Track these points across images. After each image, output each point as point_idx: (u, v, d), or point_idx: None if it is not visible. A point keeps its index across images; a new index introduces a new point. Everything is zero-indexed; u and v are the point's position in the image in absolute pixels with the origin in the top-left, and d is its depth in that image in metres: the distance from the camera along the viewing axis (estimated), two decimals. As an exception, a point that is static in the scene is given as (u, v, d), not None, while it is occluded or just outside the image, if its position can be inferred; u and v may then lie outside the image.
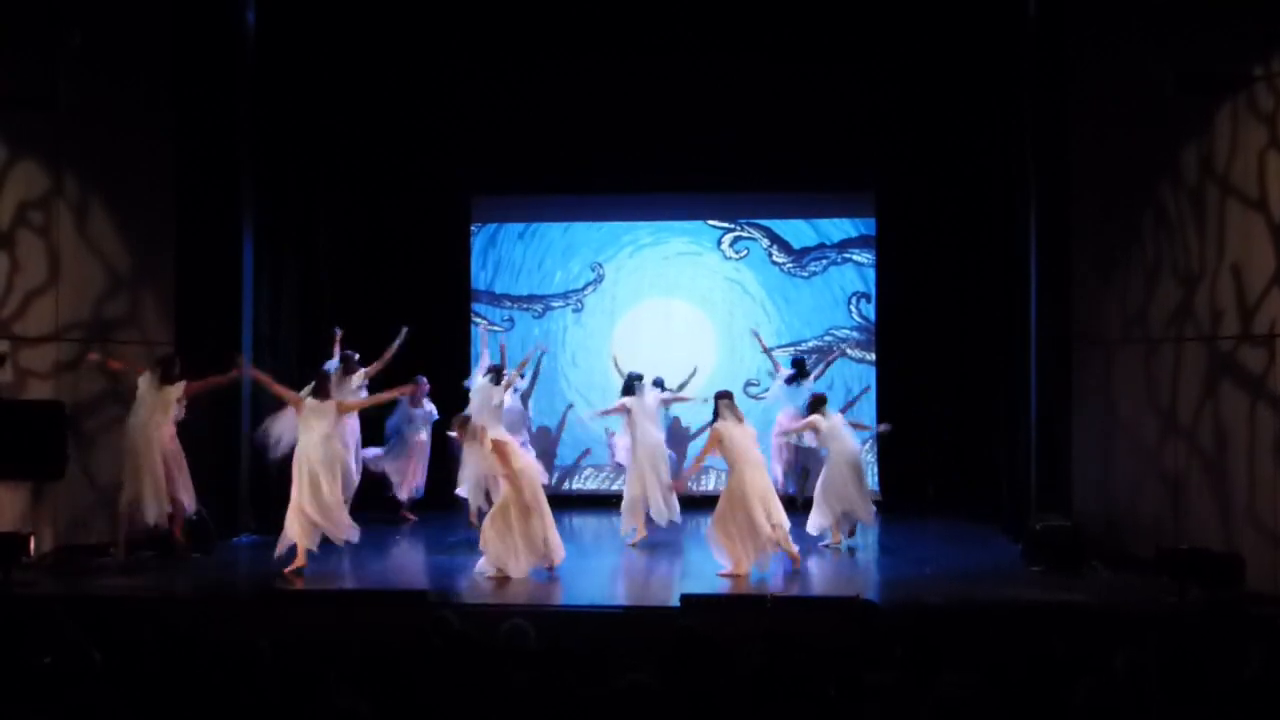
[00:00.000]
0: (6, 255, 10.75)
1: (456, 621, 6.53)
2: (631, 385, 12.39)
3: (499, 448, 10.17)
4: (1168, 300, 10.48)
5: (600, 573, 10.89)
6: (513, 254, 15.46)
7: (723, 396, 10.72)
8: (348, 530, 10.57)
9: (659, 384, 12.73)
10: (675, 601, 8.62)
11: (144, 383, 10.90)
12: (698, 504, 12.58)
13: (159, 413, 10.81)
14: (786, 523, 10.36)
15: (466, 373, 14.42)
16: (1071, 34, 11.22)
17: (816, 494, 11.58)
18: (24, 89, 10.44)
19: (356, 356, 12.47)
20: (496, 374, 12.57)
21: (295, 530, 10.25)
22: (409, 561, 11.55)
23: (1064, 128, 11.27)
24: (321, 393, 10.66)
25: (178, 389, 10.89)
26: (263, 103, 12.41)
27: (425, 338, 13.81)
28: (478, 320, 15.30)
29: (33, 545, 9.85)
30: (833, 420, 11.56)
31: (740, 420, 10.55)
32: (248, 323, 12.22)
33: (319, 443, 10.44)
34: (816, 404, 11.68)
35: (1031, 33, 11.46)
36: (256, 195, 12.42)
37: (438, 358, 13.68)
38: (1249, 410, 9.71)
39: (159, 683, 5.71)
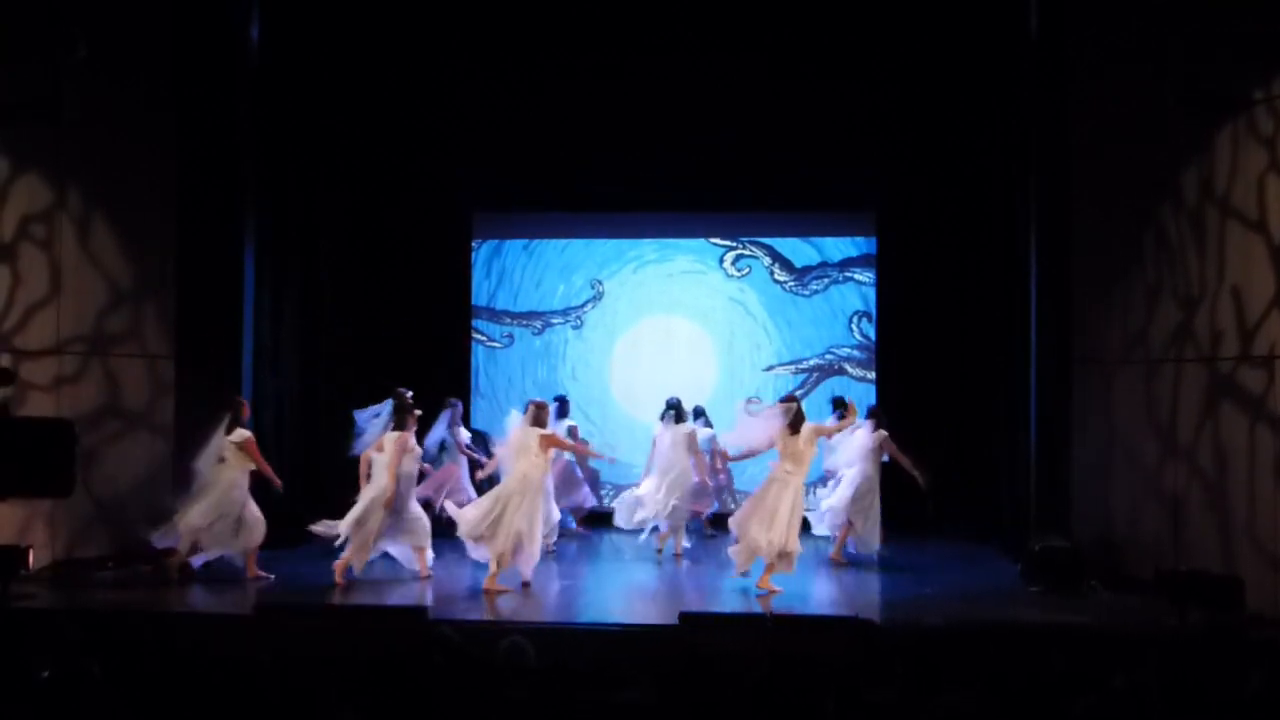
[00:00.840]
0: (8, 269, 10.77)
1: (456, 638, 6.52)
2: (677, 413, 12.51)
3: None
4: (1168, 321, 10.49)
5: (600, 590, 10.87)
6: (517, 266, 15.49)
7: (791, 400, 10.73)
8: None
9: (700, 413, 12.94)
10: (674, 619, 8.59)
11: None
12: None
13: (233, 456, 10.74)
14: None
15: (467, 389, 14.47)
16: (1073, 55, 11.26)
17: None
18: (27, 101, 10.46)
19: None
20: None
21: None
22: (410, 577, 11.51)
23: (1065, 148, 11.30)
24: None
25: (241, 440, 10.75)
26: (266, 118, 12.45)
27: (426, 354, 13.84)
28: (478, 336, 15.33)
29: (31, 558, 9.84)
30: None
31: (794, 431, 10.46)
32: (248, 337, 12.22)
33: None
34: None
35: (1033, 53, 11.50)
36: (258, 210, 12.42)
37: (439, 374, 13.67)
38: (1249, 431, 9.71)
39: (158, 697, 5.70)
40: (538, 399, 10.98)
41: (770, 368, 15.10)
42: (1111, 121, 10.95)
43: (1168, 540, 10.37)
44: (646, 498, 12.13)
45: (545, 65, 14.17)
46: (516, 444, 10.42)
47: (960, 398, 13.52)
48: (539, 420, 10.52)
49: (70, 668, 5.71)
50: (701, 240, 15.29)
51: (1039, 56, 11.44)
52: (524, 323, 15.46)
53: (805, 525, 11.09)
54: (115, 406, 11.45)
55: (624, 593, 10.68)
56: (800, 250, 15.22)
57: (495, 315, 15.47)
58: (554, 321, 15.43)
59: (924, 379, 13.58)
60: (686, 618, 8.49)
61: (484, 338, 15.42)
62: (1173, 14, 10.24)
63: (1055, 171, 11.36)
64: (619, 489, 13.64)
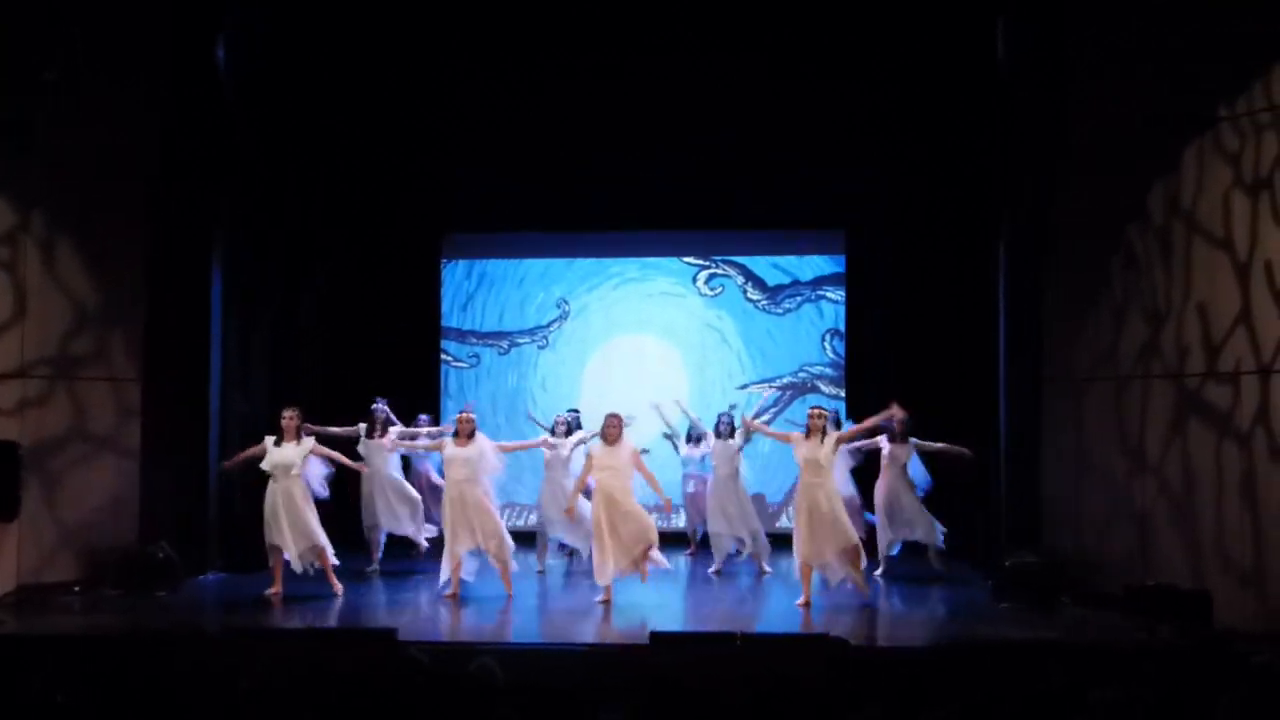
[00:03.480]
0: (-29, 291, 10.67)
1: (426, 660, 6.47)
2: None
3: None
4: (1135, 338, 10.54)
5: (569, 609, 10.83)
6: (494, 280, 15.49)
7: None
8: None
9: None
10: (645, 639, 8.55)
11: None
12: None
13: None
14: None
15: (437, 410, 14.42)
16: (1043, 79, 11.31)
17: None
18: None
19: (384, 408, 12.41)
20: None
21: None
22: (375, 599, 11.45)
23: (1035, 169, 11.35)
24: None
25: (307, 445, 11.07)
26: (236, 143, 12.42)
27: (397, 375, 13.80)
28: (444, 357, 15.28)
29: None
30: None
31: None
32: (216, 360, 12.16)
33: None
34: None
35: (1004, 79, 11.58)
36: (228, 233, 12.38)
37: (408, 395, 13.61)
38: (1215, 447, 9.77)
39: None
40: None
41: (744, 385, 15.11)
42: (1081, 140, 11.01)
43: (1137, 556, 10.41)
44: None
45: (515, 86, 14.15)
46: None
47: (930, 415, 13.50)
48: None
49: (36, 695, 5.64)
50: (676, 260, 15.32)
51: (1009, 83, 11.53)
52: (490, 342, 15.44)
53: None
54: (81, 430, 11.32)
55: (594, 611, 10.62)
56: (772, 269, 15.26)
57: (462, 335, 15.45)
58: (520, 341, 15.42)
59: (894, 396, 13.57)
60: (658, 637, 8.46)
61: (450, 358, 15.37)
62: (1141, 37, 10.34)
63: (1025, 191, 11.42)
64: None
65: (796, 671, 7.08)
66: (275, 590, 10.89)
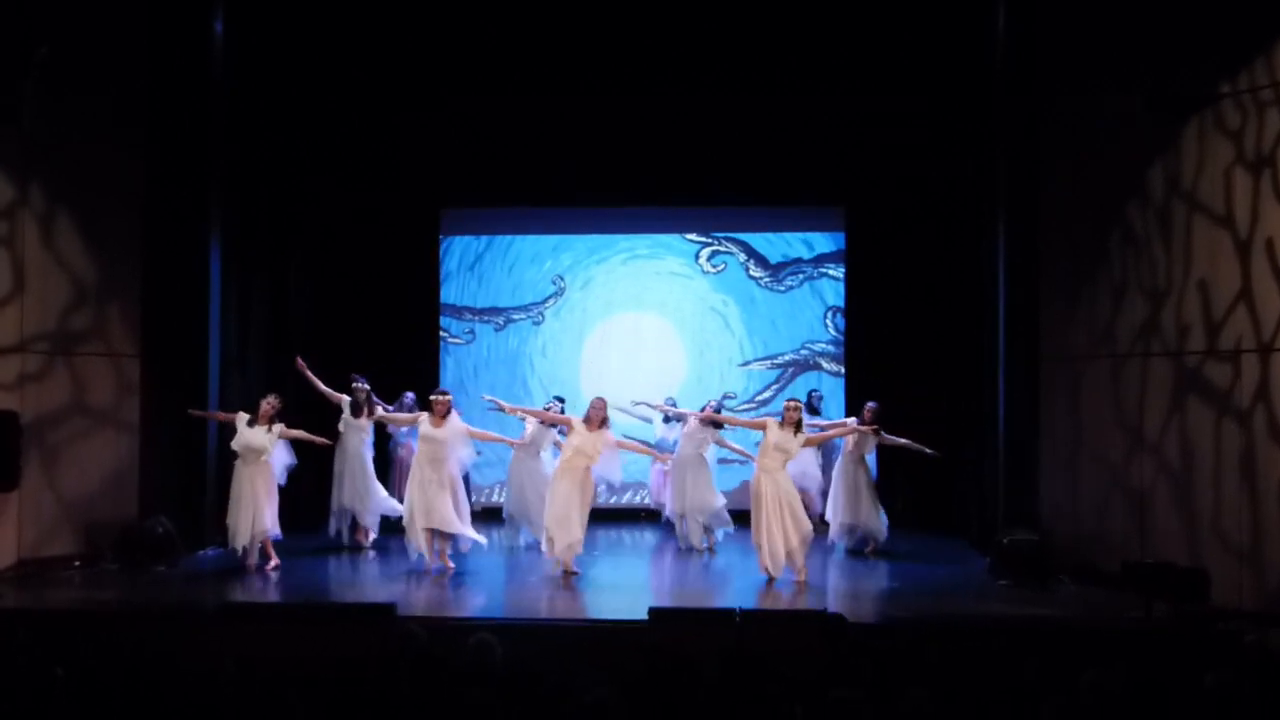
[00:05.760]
0: (-30, 266, 10.65)
1: (424, 636, 6.48)
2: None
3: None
4: (1135, 316, 10.53)
5: (568, 585, 10.84)
6: (496, 253, 15.47)
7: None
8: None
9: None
10: (643, 614, 8.58)
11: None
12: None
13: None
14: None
15: (436, 384, 14.41)
16: (1042, 57, 11.28)
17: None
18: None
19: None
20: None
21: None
22: (374, 573, 11.47)
23: (1033, 148, 11.33)
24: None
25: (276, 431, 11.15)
26: (234, 120, 12.40)
27: (395, 351, 13.81)
28: (442, 334, 15.26)
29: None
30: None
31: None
32: (215, 335, 12.14)
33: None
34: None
35: (1002, 57, 11.55)
36: (225, 209, 12.35)
37: (406, 372, 13.61)
38: (1215, 425, 9.77)
39: (121, 699, 5.66)
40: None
41: (746, 363, 15.10)
42: (1080, 120, 10.97)
43: (1134, 534, 10.42)
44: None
45: (519, 67, 14.05)
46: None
47: (930, 393, 13.53)
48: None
49: (35, 668, 5.66)
50: (678, 236, 15.28)
51: (1008, 61, 11.50)
52: (485, 318, 15.41)
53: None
54: (81, 405, 11.33)
55: (592, 588, 10.64)
56: (775, 246, 15.23)
57: (457, 311, 15.41)
58: (515, 317, 15.40)
59: (894, 374, 13.59)
60: (656, 613, 8.48)
61: (445, 333, 15.35)
62: (1143, 12, 10.30)
63: (1023, 170, 11.40)
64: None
65: (794, 647, 7.11)
66: (273, 564, 10.94)
